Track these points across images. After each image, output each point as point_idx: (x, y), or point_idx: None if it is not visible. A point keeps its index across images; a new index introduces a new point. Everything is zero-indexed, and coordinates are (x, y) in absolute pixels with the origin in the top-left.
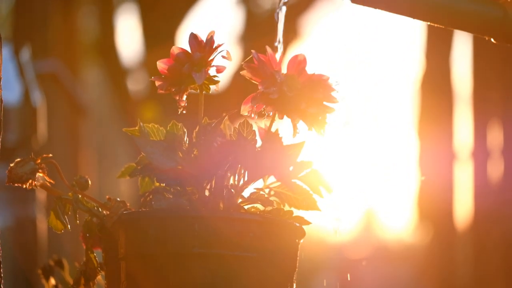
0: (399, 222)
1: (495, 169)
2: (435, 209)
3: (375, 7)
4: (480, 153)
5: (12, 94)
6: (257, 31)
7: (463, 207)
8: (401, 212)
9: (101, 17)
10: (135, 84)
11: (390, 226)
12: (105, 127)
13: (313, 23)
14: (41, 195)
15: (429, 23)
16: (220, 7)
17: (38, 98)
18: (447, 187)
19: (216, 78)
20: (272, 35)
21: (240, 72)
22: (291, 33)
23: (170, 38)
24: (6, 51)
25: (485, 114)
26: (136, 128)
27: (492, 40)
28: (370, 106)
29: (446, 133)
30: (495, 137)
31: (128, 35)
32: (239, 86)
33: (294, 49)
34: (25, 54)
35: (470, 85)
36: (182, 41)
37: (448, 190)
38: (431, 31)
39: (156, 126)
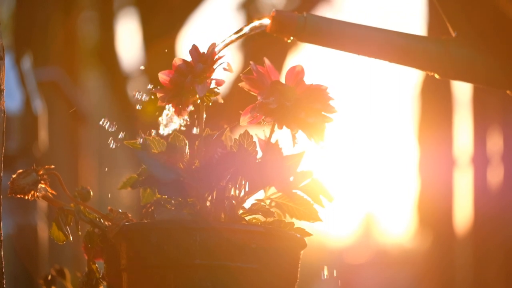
0: (399, 227)
1: (495, 175)
2: (435, 215)
3: (323, 45)
4: (480, 159)
5: (13, 102)
6: (257, 37)
7: (463, 213)
8: (401, 217)
9: (101, 23)
10: (135, 90)
11: (390, 231)
12: (106, 134)
13: None
14: (42, 203)
15: (374, 59)
16: (221, 12)
17: (39, 106)
18: (447, 192)
19: (216, 90)
20: (271, 40)
21: (239, 84)
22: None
23: (170, 44)
24: (7, 60)
25: (485, 120)
26: (137, 140)
27: (436, 75)
28: (370, 111)
29: (446, 138)
30: (495, 143)
31: (129, 40)
32: (240, 91)
33: (294, 56)
34: (26, 62)
35: (470, 91)
36: (182, 47)
37: (448, 195)
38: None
39: (157, 138)
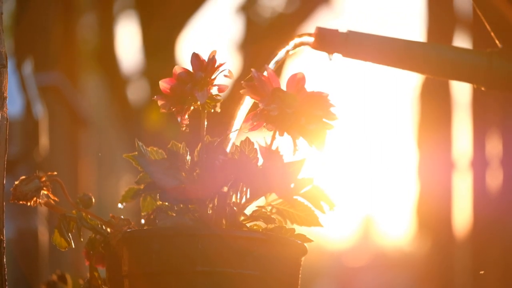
0: (398, 230)
1: (494, 178)
2: (434, 218)
3: (366, 60)
4: (479, 162)
5: (14, 107)
6: (257, 40)
7: (462, 216)
8: (400, 220)
9: (101, 27)
10: (135, 93)
11: (389, 234)
12: (106, 138)
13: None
14: (43, 208)
15: (418, 73)
16: (220, 15)
17: (40, 110)
18: (446, 195)
19: (217, 97)
20: (271, 43)
21: (240, 91)
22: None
23: (170, 47)
24: (8, 65)
25: (484, 123)
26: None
27: (482, 88)
28: (369, 114)
29: (445, 141)
30: (494, 146)
31: (128, 44)
32: (239, 94)
33: (292, 61)
34: (27, 67)
35: (470, 93)
36: (182, 50)
37: (447, 198)
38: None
39: (155, 149)
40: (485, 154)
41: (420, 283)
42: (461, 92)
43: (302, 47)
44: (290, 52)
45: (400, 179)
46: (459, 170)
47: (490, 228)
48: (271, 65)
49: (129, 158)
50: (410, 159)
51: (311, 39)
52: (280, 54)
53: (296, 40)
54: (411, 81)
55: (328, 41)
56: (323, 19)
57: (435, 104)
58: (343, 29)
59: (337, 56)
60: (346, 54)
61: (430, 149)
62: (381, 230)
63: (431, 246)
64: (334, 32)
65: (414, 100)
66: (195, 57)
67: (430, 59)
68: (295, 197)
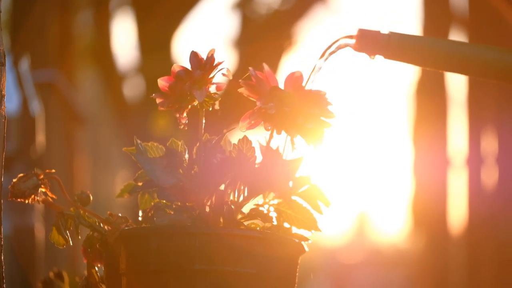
0: (393, 227)
1: (490, 175)
2: (429, 215)
3: (408, 62)
4: (475, 159)
5: (11, 104)
6: (252, 37)
7: (457, 213)
8: (395, 217)
9: (98, 23)
10: (131, 90)
11: (384, 231)
12: (102, 135)
13: (308, 30)
14: (40, 205)
15: (462, 75)
16: (216, 12)
17: (36, 107)
18: (441, 193)
19: (216, 95)
20: (267, 41)
21: (238, 90)
22: (286, 40)
23: (166, 44)
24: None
25: (479, 120)
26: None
27: None
28: (365, 110)
29: (440, 138)
30: (490, 143)
31: (124, 41)
32: (235, 92)
33: (288, 58)
34: (24, 64)
35: (465, 90)
36: (178, 47)
37: (442, 196)
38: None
39: (155, 144)
40: (481, 151)
41: (415, 280)
42: (457, 89)
43: (345, 48)
44: (333, 53)
45: (395, 176)
46: (454, 167)
47: (485, 225)
48: (316, 69)
49: (129, 152)
50: (406, 156)
51: (353, 41)
52: (324, 57)
53: (338, 43)
54: (406, 78)
55: (369, 42)
56: (319, 17)
57: (431, 101)
58: (384, 30)
59: (378, 57)
60: (387, 56)
61: (426, 146)
62: (376, 227)
63: (426, 243)
64: (376, 34)
65: (410, 97)
66: (194, 56)
67: (475, 60)
68: (293, 197)
